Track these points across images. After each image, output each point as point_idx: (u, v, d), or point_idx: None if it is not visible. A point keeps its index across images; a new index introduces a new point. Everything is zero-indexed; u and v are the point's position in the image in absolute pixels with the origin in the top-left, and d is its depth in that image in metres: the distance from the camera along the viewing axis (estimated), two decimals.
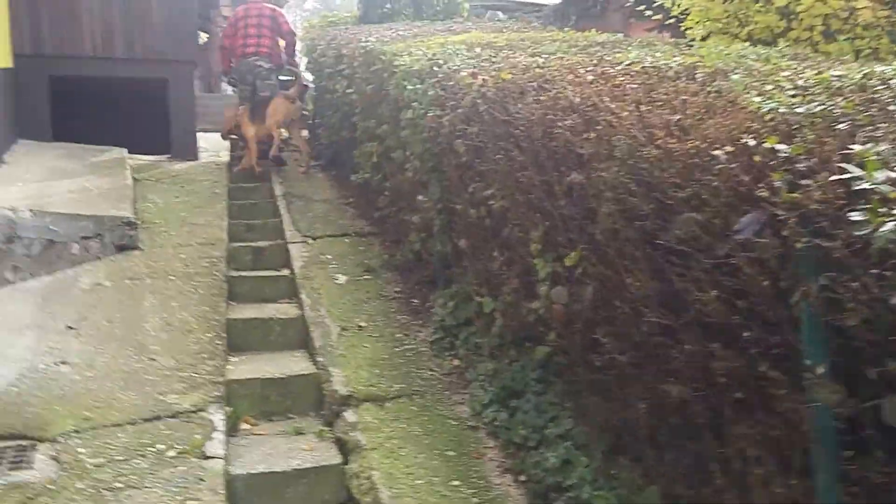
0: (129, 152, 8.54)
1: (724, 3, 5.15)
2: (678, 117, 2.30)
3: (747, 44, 4.37)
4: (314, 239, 5.87)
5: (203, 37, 13.61)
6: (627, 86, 2.74)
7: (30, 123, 7.91)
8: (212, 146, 9.35)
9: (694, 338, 2.13)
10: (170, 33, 8.25)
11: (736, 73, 2.60)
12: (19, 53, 7.67)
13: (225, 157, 8.78)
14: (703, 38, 5.18)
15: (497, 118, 3.19)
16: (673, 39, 5.25)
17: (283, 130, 8.00)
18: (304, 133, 8.64)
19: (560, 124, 2.73)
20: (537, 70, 3.25)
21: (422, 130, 3.86)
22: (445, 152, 3.71)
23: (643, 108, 2.47)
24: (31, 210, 5.59)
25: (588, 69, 3.08)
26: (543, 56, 3.55)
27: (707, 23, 5.34)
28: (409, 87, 3.73)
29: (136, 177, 7.50)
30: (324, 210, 6.64)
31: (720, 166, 1.96)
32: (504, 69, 3.36)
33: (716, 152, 2.00)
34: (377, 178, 5.69)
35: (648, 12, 10.16)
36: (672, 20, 6.41)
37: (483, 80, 3.35)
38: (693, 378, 2.18)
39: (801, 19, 4.60)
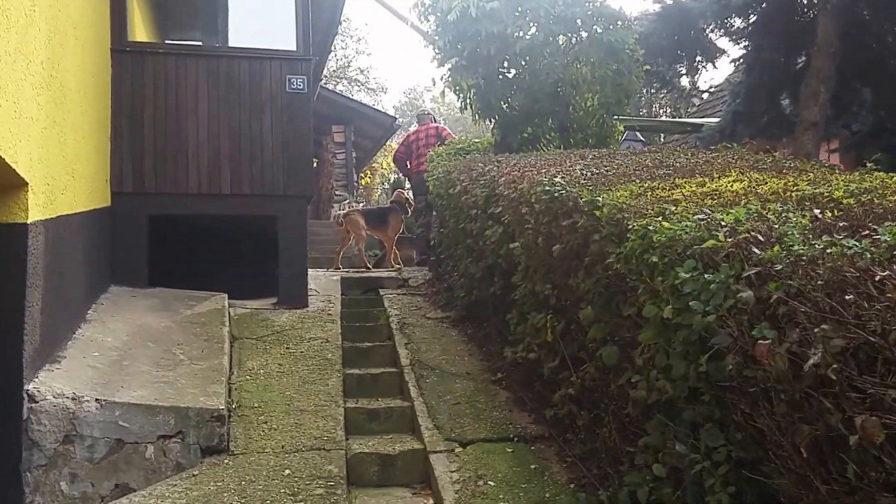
0: (233, 296, 7.43)
1: None
2: None
3: None
4: (463, 445, 4.24)
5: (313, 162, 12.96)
6: None
7: (125, 267, 6.92)
8: (321, 287, 8.12)
9: None
10: (282, 167, 7.24)
11: None
12: (117, 191, 6.78)
13: (336, 303, 7.47)
14: None
15: None
16: None
17: None
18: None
19: None
20: None
21: (693, 342, 2.24)
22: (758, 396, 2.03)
23: None
24: (97, 400, 4.29)
25: None
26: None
27: None
28: (684, 273, 2.17)
29: (236, 334, 6.23)
30: (467, 391, 5.05)
31: None
32: None
33: None
34: (551, 364, 4.08)
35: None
36: None
37: None
38: None
39: None
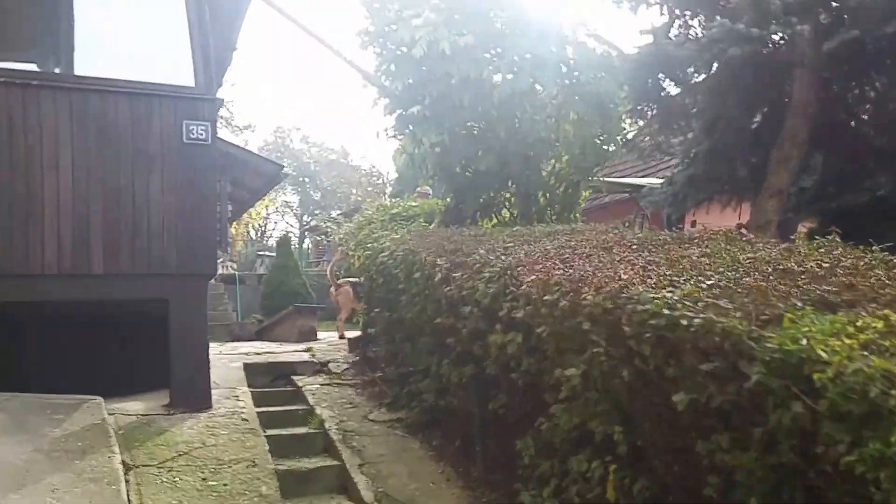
0: (110, 393, 5.79)
1: None
2: None
3: None
4: None
5: None
6: None
7: None
8: (220, 376, 6.60)
9: None
10: (175, 239, 5.70)
11: None
12: None
13: (246, 399, 6.02)
14: None
15: None
16: None
17: None
18: None
19: None
20: None
21: None
22: None
23: None
24: None
25: None
26: None
27: None
28: None
29: (128, 460, 4.66)
30: None
31: None
32: None
33: None
34: None
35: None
36: None
37: None
38: None
39: None
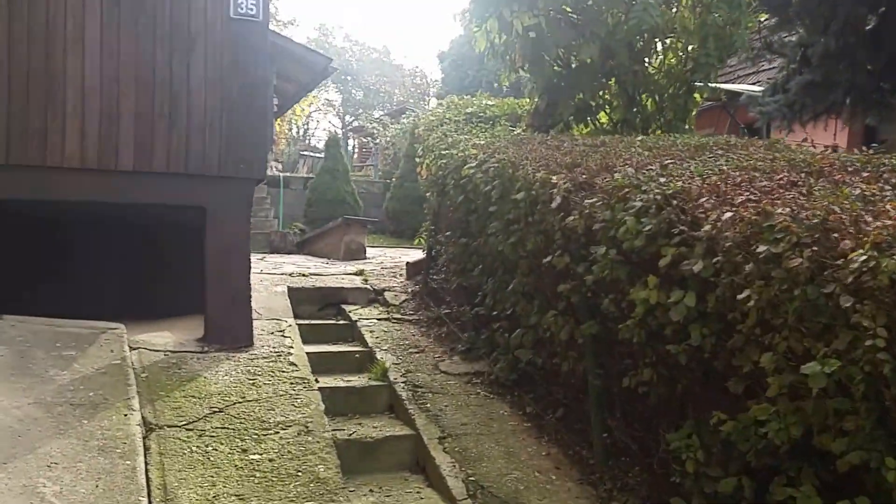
0: (132, 318, 4.87)
1: None
2: None
3: None
4: None
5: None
6: None
7: None
8: (262, 302, 5.60)
9: None
10: (220, 133, 4.64)
11: None
12: None
13: (293, 335, 5.02)
14: None
15: None
16: None
17: None
18: None
19: None
20: None
21: None
22: None
23: None
24: None
25: None
26: None
27: None
28: None
29: (150, 417, 3.70)
30: None
31: None
32: None
33: None
34: None
35: None
36: None
37: None
38: None
39: None
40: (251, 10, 4.67)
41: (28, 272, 5.36)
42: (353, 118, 35.61)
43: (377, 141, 19.69)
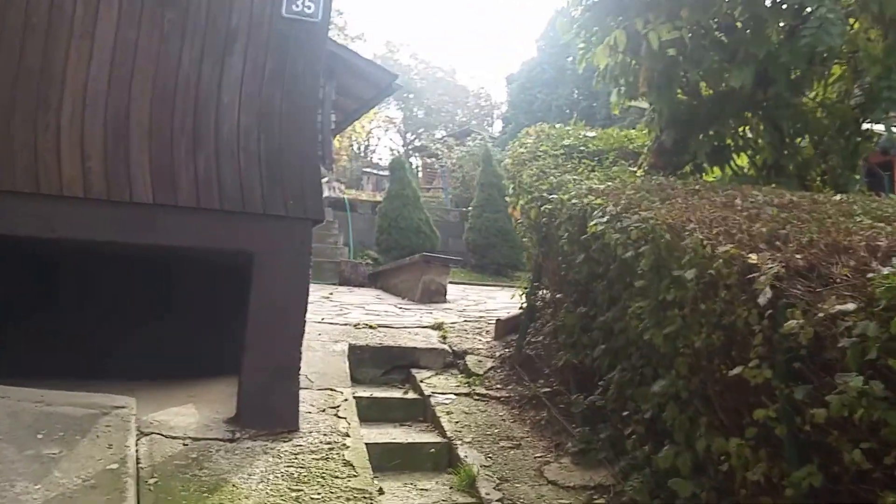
0: (153, 384, 3.89)
1: None
2: None
3: None
4: None
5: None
6: None
7: None
8: (316, 368, 4.57)
9: None
10: (259, 158, 3.62)
11: None
12: None
13: (349, 415, 3.95)
14: None
15: None
16: None
17: None
18: None
19: None
20: None
21: None
22: None
23: None
24: None
25: None
26: None
27: None
28: None
29: None
30: None
31: None
32: None
33: None
34: None
35: None
36: None
37: None
38: None
39: None
40: (308, 8, 3.66)
41: (23, 318, 4.42)
42: (413, 136, 34.94)
43: (442, 163, 18.74)
